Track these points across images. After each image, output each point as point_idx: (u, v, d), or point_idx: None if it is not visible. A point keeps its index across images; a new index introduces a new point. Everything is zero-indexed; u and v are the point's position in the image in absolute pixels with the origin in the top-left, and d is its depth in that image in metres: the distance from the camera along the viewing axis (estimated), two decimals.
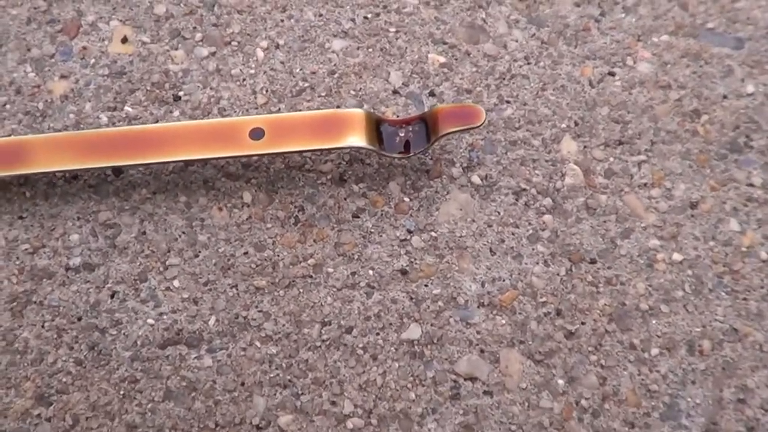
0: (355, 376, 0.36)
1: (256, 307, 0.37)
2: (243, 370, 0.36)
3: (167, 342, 0.36)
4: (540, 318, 0.37)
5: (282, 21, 0.43)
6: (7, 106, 0.40)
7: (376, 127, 0.37)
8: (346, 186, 0.39)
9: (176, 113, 0.40)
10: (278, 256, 0.38)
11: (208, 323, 0.36)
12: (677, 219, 0.39)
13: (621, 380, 0.36)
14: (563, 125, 0.40)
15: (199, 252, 0.38)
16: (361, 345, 0.36)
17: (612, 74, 0.42)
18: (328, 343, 0.36)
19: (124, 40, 0.42)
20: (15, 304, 0.37)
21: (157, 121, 0.40)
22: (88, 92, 0.41)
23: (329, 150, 0.38)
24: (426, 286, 0.37)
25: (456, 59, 0.42)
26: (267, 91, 0.41)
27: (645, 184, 0.39)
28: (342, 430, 0.35)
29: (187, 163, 0.39)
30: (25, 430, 0.34)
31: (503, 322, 0.37)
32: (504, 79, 0.41)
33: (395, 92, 0.41)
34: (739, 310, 0.37)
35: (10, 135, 0.40)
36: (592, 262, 0.38)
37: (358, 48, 0.42)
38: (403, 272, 0.37)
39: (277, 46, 0.42)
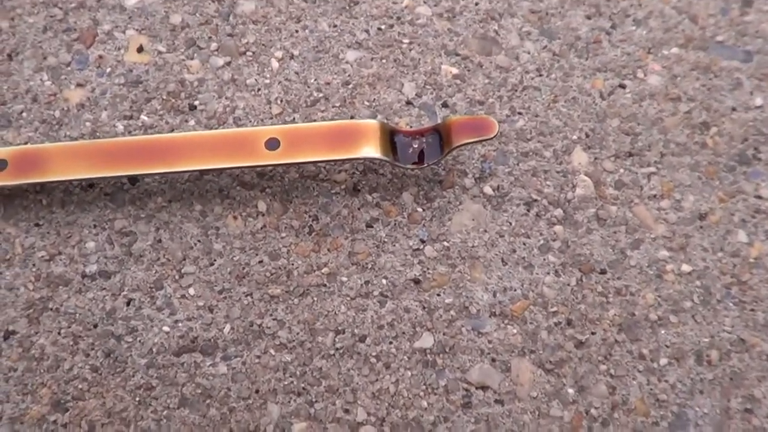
0: (368, 384, 0.36)
1: (271, 315, 0.37)
2: (257, 377, 0.36)
3: (182, 349, 0.36)
4: (551, 327, 0.37)
5: (297, 31, 0.43)
6: (24, 114, 0.41)
7: (390, 137, 0.38)
8: (360, 196, 0.39)
9: (192, 122, 0.41)
10: (293, 264, 0.38)
11: (223, 331, 0.37)
12: (686, 230, 0.39)
13: (630, 389, 0.36)
14: (574, 137, 0.41)
15: (215, 260, 0.38)
16: (374, 353, 0.37)
17: (622, 86, 0.42)
18: (341, 351, 0.37)
19: (140, 50, 0.42)
20: (32, 310, 0.37)
21: (172, 130, 0.40)
22: (104, 101, 0.41)
23: (344, 160, 0.38)
24: (438, 295, 0.38)
25: (469, 71, 0.42)
26: (282, 101, 0.41)
27: (655, 196, 0.40)
28: None
29: (203, 172, 0.39)
30: None
31: (514, 331, 0.37)
32: (516, 90, 0.42)
33: (408, 103, 0.41)
34: (746, 320, 0.38)
35: (26, 143, 0.40)
36: (602, 272, 0.38)
37: (372, 59, 0.42)
38: (416, 281, 0.38)
39: (292, 57, 0.42)
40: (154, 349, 0.36)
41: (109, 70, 0.42)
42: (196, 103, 0.41)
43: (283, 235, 0.39)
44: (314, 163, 0.38)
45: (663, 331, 0.37)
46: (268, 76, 0.42)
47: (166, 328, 0.37)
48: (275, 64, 0.42)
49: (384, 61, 0.42)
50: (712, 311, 0.38)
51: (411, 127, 0.41)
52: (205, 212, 0.39)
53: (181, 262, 0.38)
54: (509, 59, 0.43)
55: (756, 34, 0.44)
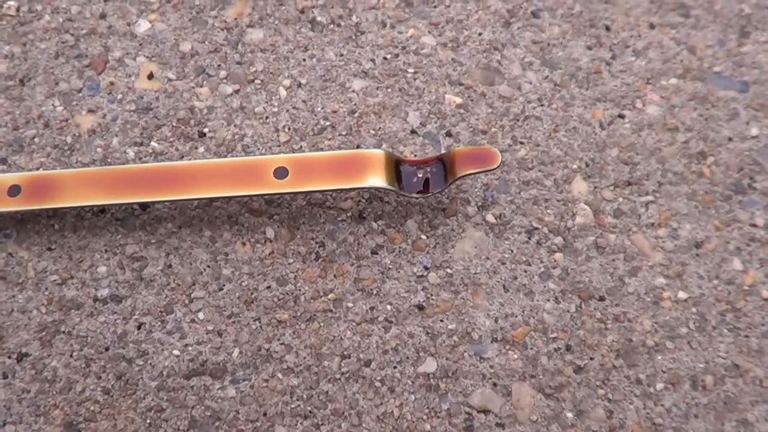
0: (373, 407, 0.37)
1: (279, 339, 0.38)
2: (265, 400, 0.37)
3: (192, 373, 0.37)
4: (550, 353, 0.38)
5: (304, 60, 0.44)
6: (36, 140, 0.42)
7: (395, 166, 0.39)
8: (366, 223, 0.40)
9: (201, 149, 0.42)
10: (300, 290, 0.39)
11: (231, 355, 0.38)
12: (683, 258, 0.40)
13: (627, 414, 0.37)
14: (574, 166, 0.42)
15: (223, 285, 0.39)
16: (379, 378, 0.38)
17: (622, 116, 0.43)
18: (347, 375, 0.38)
19: (151, 77, 0.43)
20: (44, 333, 0.38)
21: (182, 157, 0.41)
22: (115, 127, 0.42)
23: (350, 189, 0.39)
24: (442, 321, 0.39)
25: (472, 100, 0.43)
26: (289, 128, 0.42)
27: (652, 224, 0.41)
28: None
29: (212, 199, 0.40)
30: None
31: (515, 356, 0.38)
32: (518, 120, 0.43)
33: (413, 132, 0.42)
34: (740, 346, 0.39)
35: (39, 168, 0.41)
36: (601, 299, 0.39)
37: (377, 88, 0.43)
38: (420, 307, 0.39)
39: (299, 85, 0.43)
40: (164, 372, 0.37)
41: (120, 96, 0.43)
42: (206, 130, 0.42)
43: (291, 261, 0.40)
44: (322, 192, 0.39)
45: (659, 357, 0.38)
46: (276, 104, 0.43)
47: (176, 352, 0.38)
48: (283, 93, 0.43)
49: (389, 90, 0.43)
50: (707, 337, 0.39)
51: (415, 155, 0.42)
52: (214, 238, 0.40)
53: (191, 287, 0.39)
54: (511, 89, 0.44)
55: (753, 65, 0.45)
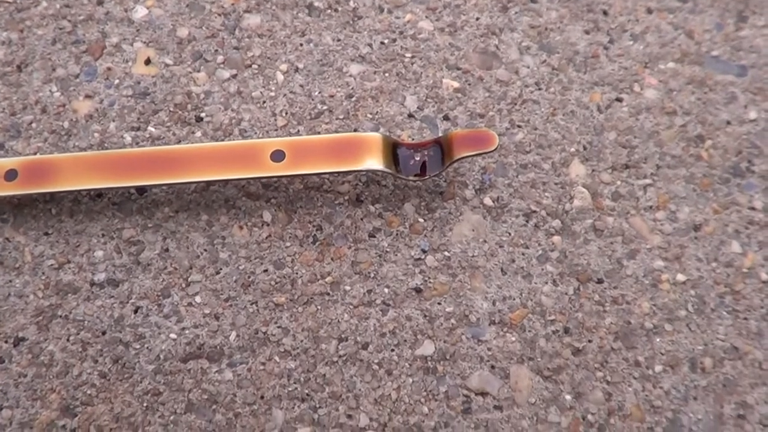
0: (370, 390, 0.37)
1: (276, 323, 0.38)
2: (262, 383, 0.37)
3: (189, 356, 0.37)
4: (549, 335, 0.38)
5: (301, 45, 0.44)
6: (33, 125, 0.42)
7: (392, 150, 0.39)
8: (363, 206, 0.40)
9: (198, 134, 0.42)
10: (297, 273, 0.39)
11: (228, 338, 0.38)
12: (681, 241, 0.40)
13: (626, 396, 0.37)
14: (572, 149, 0.42)
15: (221, 269, 0.39)
16: (376, 360, 0.37)
17: (619, 100, 0.43)
18: (344, 358, 0.37)
19: (148, 62, 0.43)
20: (41, 317, 0.38)
21: (179, 142, 0.41)
22: (113, 112, 0.42)
23: (347, 172, 0.39)
24: (439, 304, 0.39)
25: (469, 84, 0.43)
26: (286, 113, 0.42)
27: (650, 207, 0.41)
28: None
29: (209, 182, 0.40)
30: None
31: (513, 339, 0.38)
32: (515, 104, 0.43)
33: (410, 116, 0.42)
34: (739, 329, 0.39)
35: (36, 153, 0.41)
36: (599, 282, 0.39)
37: (374, 72, 0.43)
38: (418, 290, 0.39)
39: (297, 70, 0.43)
40: (161, 356, 0.37)
41: (117, 81, 0.43)
42: (203, 114, 0.42)
43: (288, 244, 0.39)
44: (318, 174, 0.39)
45: (658, 339, 0.38)
46: (273, 88, 0.43)
47: (173, 335, 0.38)
48: (280, 77, 0.43)
49: (387, 74, 0.43)
50: (706, 320, 0.39)
51: (413, 139, 0.42)
52: (211, 222, 0.40)
53: (188, 271, 0.39)
54: (509, 73, 0.44)
55: (750, 48, 0.45)
